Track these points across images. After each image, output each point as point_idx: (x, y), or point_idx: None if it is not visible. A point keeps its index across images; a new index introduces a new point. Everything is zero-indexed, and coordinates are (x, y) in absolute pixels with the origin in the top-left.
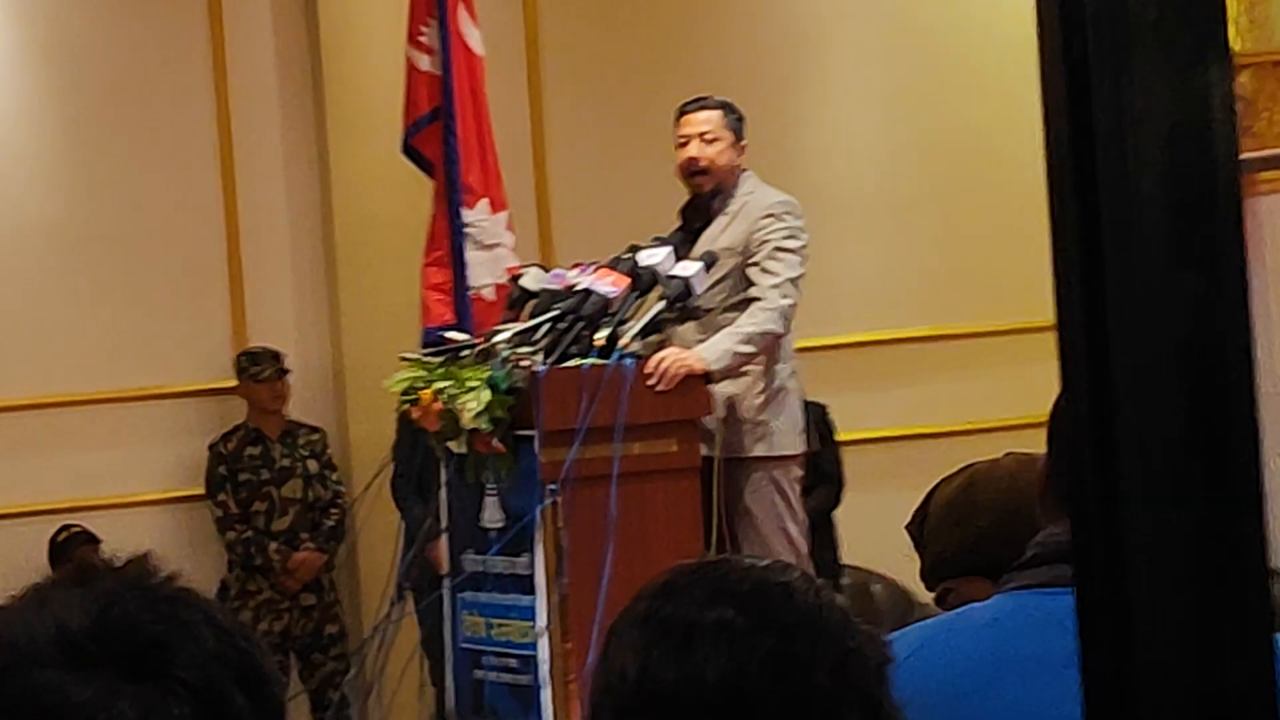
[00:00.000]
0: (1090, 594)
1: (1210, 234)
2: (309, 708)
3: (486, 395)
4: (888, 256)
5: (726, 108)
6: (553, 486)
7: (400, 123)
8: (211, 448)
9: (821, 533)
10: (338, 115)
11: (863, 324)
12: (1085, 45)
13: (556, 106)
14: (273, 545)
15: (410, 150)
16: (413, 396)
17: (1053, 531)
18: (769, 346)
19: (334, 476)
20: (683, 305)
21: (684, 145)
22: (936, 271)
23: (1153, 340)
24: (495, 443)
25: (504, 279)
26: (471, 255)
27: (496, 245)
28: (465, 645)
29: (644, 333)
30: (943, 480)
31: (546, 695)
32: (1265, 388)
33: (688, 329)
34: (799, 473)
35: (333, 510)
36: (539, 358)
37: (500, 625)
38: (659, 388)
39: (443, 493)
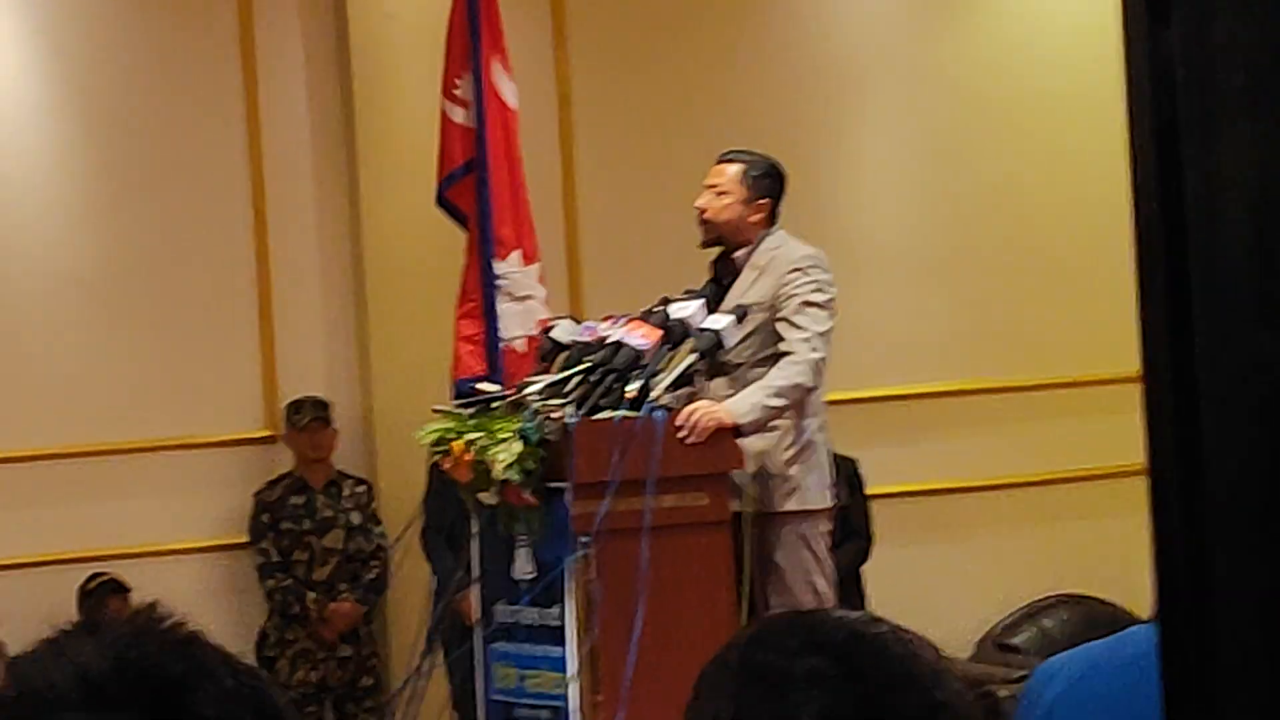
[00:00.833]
0: (1176, 648)
1: None
2: None
3: (518, 447)
4: (917, 310)
5: (750, 164)
6: (584, 538)
7: (433, 175)
8: (256, 495)
9: (850, 587)
10: (370, 167)
11: (892, 378)
12: (1175, 110)
13: (588, 159)
14: (311, 595)
15: (444, 202)
16: (444, 448)
17: None
18: (799, 400)
19: (378, 529)
20: (714, 358)
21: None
22: (966, 326)
23: (1241, 400)
24: (526, 495)
25: (535, 331)
26: (503, 307)
27: (528, 297)
28: (497, 697)
29: (675, 385)
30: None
31: None
32: None
33: (718, 383)
34: (828, 527)
35: (373, 563)
36: (570, 410)
37: (532, 676)
38: (690, 440)
39: (474, 544)
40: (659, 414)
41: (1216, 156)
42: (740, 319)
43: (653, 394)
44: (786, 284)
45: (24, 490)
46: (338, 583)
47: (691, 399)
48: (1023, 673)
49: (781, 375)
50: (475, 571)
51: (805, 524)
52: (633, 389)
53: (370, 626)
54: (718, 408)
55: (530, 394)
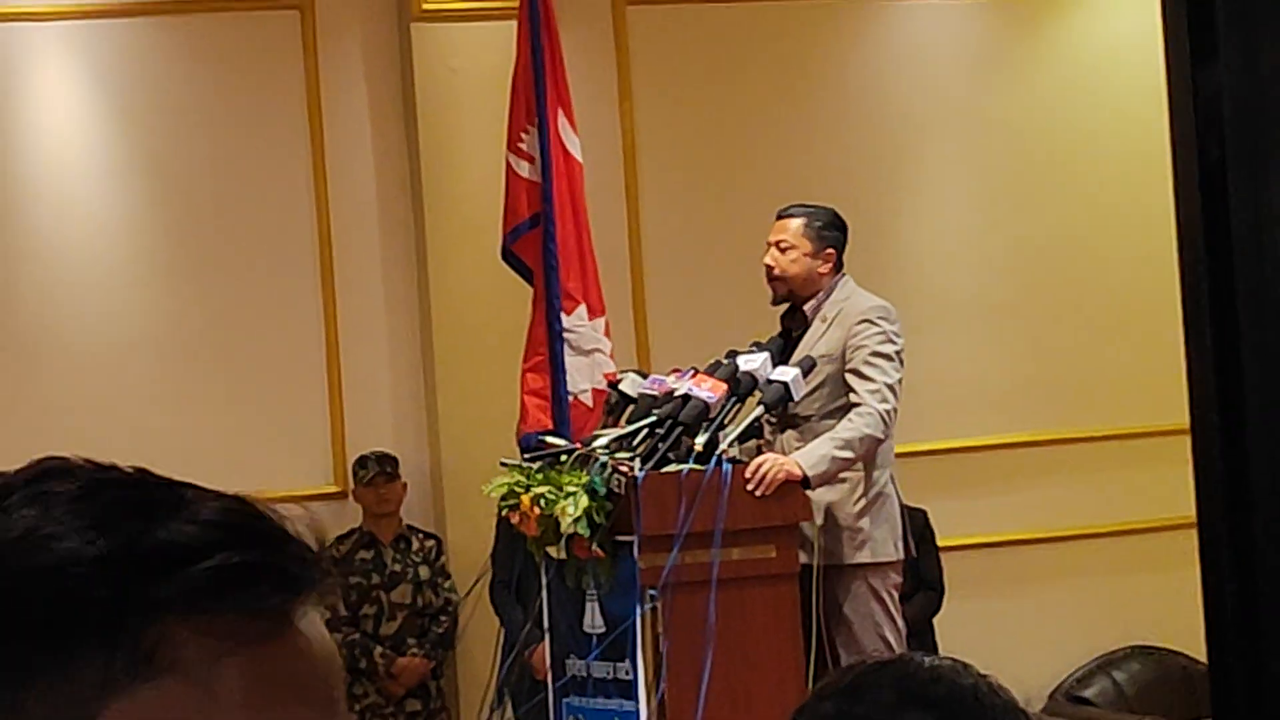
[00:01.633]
0: (1226, 696)
1: None
2: None
3: (585, 500)
4: (984, 362)
5: (811, 216)
6: (652, 591)
7: (499, 228)
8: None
9: (922, 639)
10: (436, 221)
11: (961, 429)
12: (1223, 148)
13: (653, 212)
14: (378, 649)
15: (509, 256)
16: (512, 501)
17: None
18: (868, 452)
19: (446, 584)
20: (782, 410)
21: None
22: (1033, 377)
23: None
24: (594, 548)
25: (602, 384)
26: (570, 361)
27: (595, 350)
28: None
29: (742, 438)
30: None
31: None
32: None
33: (788, 435)
34: (897, 579)
35: (442, 617)
36: (637, 463)
37: None
38: (758, 493)
39: (543, 597)
40: (726, 466)
41: (1266, 192)
42: (807, 371)
43: (720, 447)
44: (855, 335)
45: None
46: (406, 637)
47: (759, 451)
48: None
49: (851, 427)
50: (545, 625)
51: (875, 576)
52: (700, 441)
53: (439, 681)
54: (787, 460)
55: (597, 447)
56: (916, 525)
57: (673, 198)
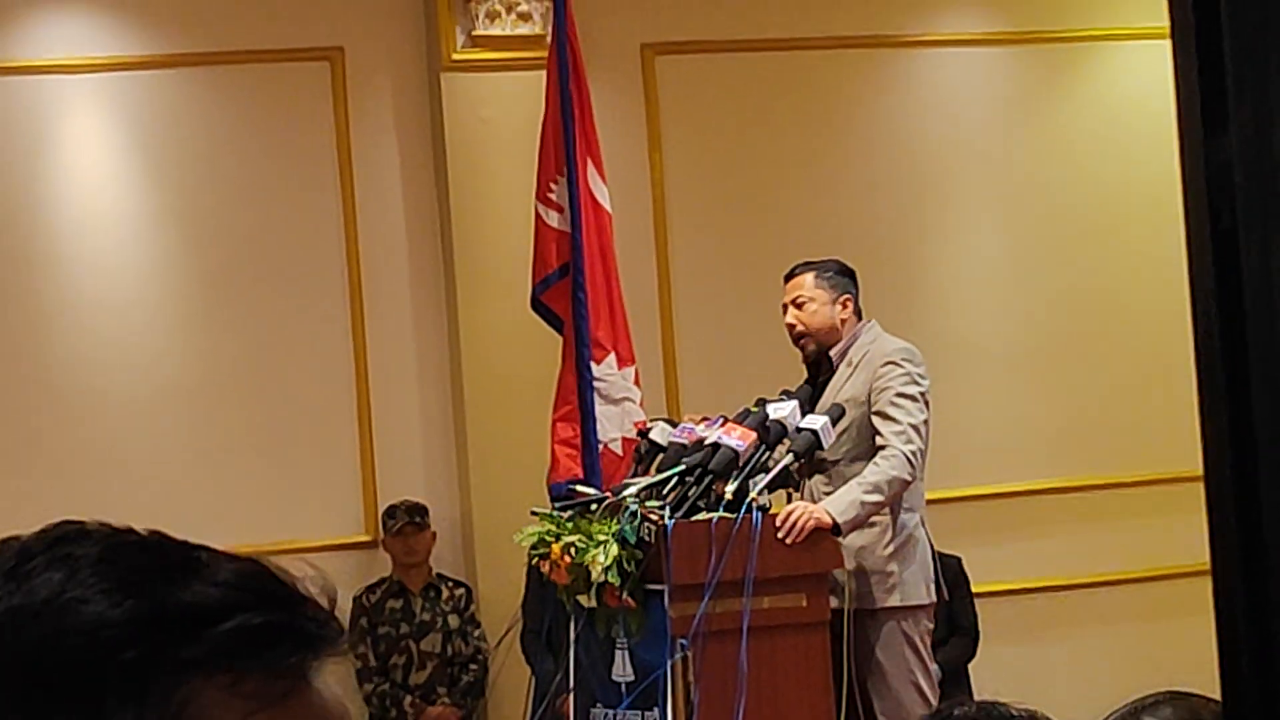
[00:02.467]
0: None
1: None
2: None
3: (615, 549)
4: (1015, 408)
5: (819, 268)
6: (683, 640)
7: (528, 279)
8: (355, 599)
9: (957, 685)
10: (466, 271)
11: (993, 476)
12: (1234, 216)
13: (682, 261)
14: (408, 699)
15: (539, 305)
16: (542, 550)
17: None
18: (897, 494)
19: (476, 632)
20: (810, 458)
21: (785, 312)
22: (1064, 424)
23: None
24: (624, 597)
25: (632, 433)
26: (600, 410)
27: (624, 399)
28: None
29: (772, 486)
30: None
31: None
32: None
33: (816, 480)
34: (929, 624)
35: (472, 666)
36: (667, 511)
37: None
38: (789, 541)
39: (573, 646)
40: (756, 514)
41: (1277, 259)
42: (836, 419)
43: (749, 495)
44: (880, 378)
45: None
46: (436, 686)
47: (788, 500)
48: None
49: (878, 471)
50: (574, 675)
51: (907, 620)
52: (729, 490)
53: None
54: (816, 507)
55: (628, 496)
56: (950, 571)
57: (702, 246)
